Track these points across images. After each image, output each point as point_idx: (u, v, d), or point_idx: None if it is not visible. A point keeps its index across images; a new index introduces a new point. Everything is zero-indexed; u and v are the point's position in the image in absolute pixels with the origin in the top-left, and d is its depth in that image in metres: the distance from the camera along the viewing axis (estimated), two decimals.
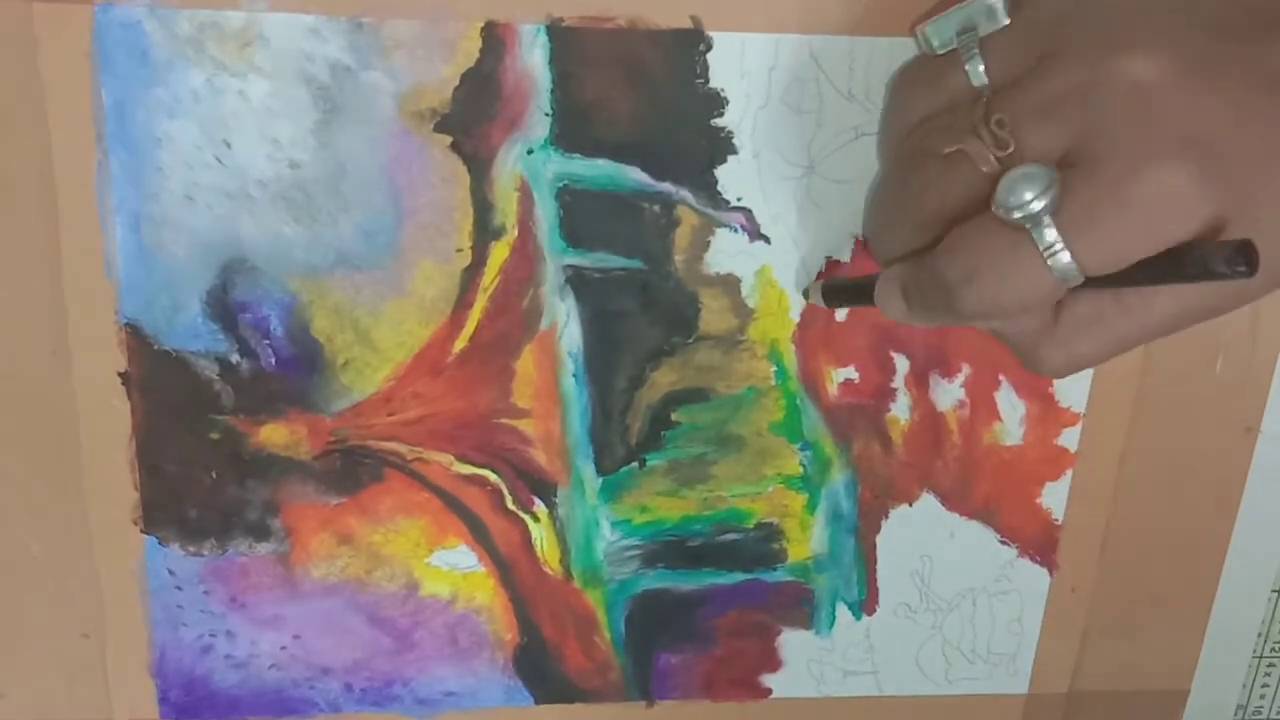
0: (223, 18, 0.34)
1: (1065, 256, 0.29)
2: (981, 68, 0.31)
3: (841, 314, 0.39)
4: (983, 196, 0.30)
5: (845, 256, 0.38)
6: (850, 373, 0.40)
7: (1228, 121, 0.28)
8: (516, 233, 0.37)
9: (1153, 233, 0.28)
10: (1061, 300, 0.32)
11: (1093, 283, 0.30)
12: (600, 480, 0.41)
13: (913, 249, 0.33)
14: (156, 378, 0.38)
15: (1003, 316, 0.31)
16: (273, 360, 0.38)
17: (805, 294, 0.39)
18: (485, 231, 0.37)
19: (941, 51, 0.33)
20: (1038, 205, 0.28)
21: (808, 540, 0.42)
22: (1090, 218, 0.28)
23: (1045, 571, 0.44)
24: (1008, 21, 0.31)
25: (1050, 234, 0.29)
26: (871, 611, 0.44)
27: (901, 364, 0.40)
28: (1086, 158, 0.29)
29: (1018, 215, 0.29)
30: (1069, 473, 0.42)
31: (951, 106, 0.32)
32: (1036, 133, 0.29)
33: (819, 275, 0.39)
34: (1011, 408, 0.41)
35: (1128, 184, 0.28)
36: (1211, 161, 0.28)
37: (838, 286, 0.38)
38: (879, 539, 0.43)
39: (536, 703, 0.43)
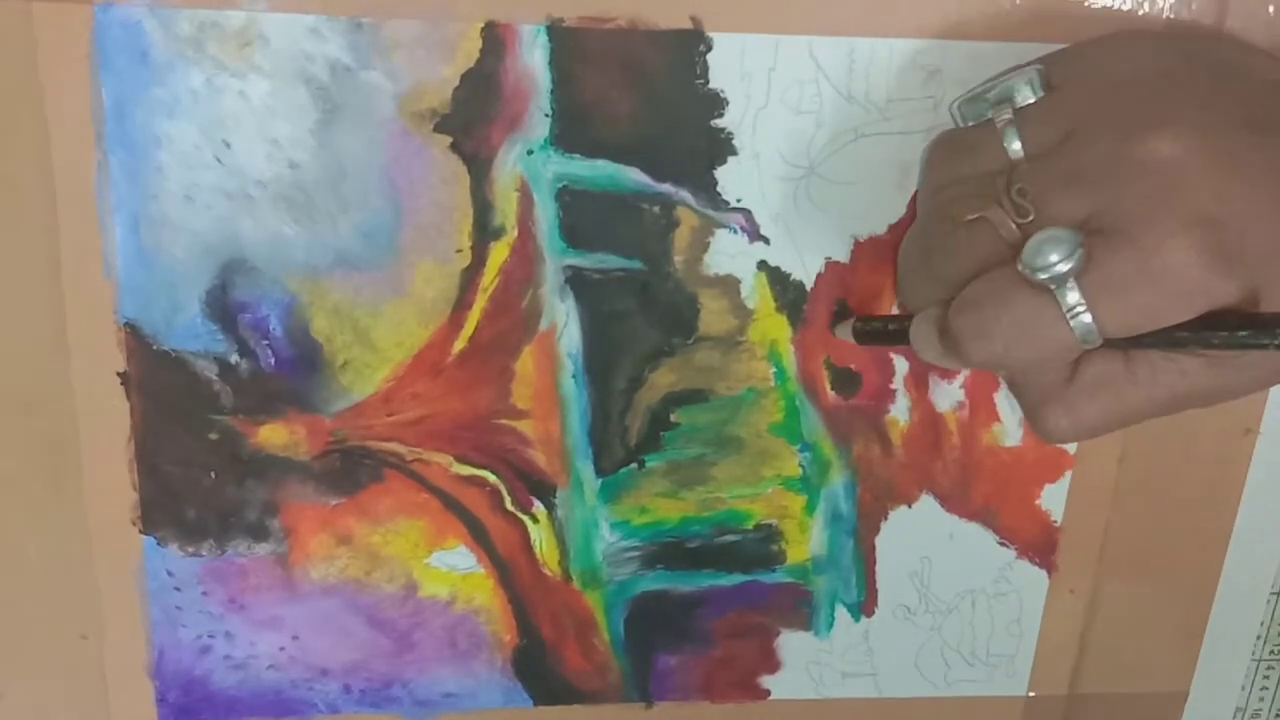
0: (222, 17, 0.34)
1: (1087, 318, 0.30)
2: (1018, 144, 0.32)
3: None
4: (1001, 262, 0.31)
5: (844, 257, 0.39)
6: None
7: (1247, 206, 0.29)
8: (516, 233, 0.37)
9: (1173, 304, 0.30)
10: (1074, 363, 0.33)
11: (1110, 343, 0.31)
12: (599, 481, 0.41)
13: (936, 302, 0.34)
14: (155, 378, 0.37)
15: (1017, 368, 0.33)
16: (272, 360, 0.38)
17: (834, 331, 0.39)
18: (485, 232, 0.37)
19: (974, 123, 0.34)
20: (1064, 267, 0.29)
21: (807, 542, 0.42)
22: (1114, 284, 0.29)
23: (1044, 573, 0.44)
24: (1040, 95, 0.32)
25: (1073, 296, 0.30)
26: (870, 613, 0.44)
27: (901, 365, 0.40)
28: (1109, 227, 0.30)
29: (1043, 276, 0.30)
30: (1068, 474, 0.42)
31: (982, 175, 0.33)
32: (1058, 202, 0.31)
33: (850, 314, 0.39)
34: (1011, 409, 0.41)
35: (1150, 256, 0.29)
36: (1230, 242, 0.29)
37: (870, 327, 0.38)
38: (878, 540, 0.43)
39: (535, 704, 0.43)
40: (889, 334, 0.37)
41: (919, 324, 0.34)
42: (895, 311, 0.39)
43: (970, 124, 0.34)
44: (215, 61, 0.34)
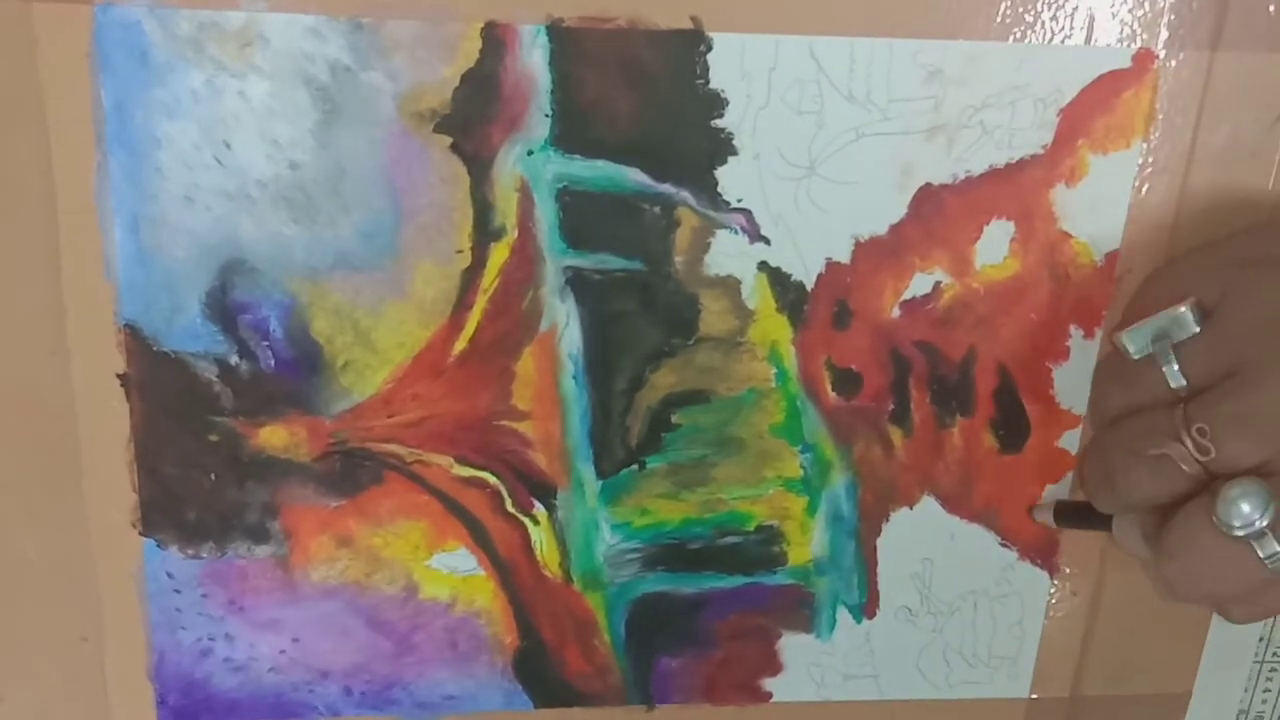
0: (222, 18, 0.34)
1: None
2: (1177, 369, 0.34)
3: (844, 320, 0.39)
4: (1187, 491, 0.34)
5: (845, 258, 0.38)
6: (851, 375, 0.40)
7: None
8: (516, 234, 0.37)
9: None
10: None
11: None
12: (600, 483, 0.41)
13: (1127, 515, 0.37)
14: (155, 379, 0.37)
15: (1224, 602, 0.36)
16: (272, 362, 0.38)
17: (1033, 515, 0.42)
18: (485, 233, 0.37)
19: (1138, 357, 0.35)
20: (1262, 522, 0.32)
21: (808, 543, 0.42)
22: None
23: (1046, 574, 0.44)
24: (1197, 330, 0.34)
25: (1272, 545, 0.32)
26: (872, 615, 0.44)
27: (903, 367, 0.40)
28: None
29: (1240, 532, 0.32)
30: (1069, 475, 0.42)
31: (1151, 404, 0.35)
32: (1237, 442, 0.33)
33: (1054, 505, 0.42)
34: None
35: None
36: None
37: (1070, 510, 0.41)
38: (879, 542, 0.43)
39: (536, 707, 0.43)
40: (1090, 521, 0.39)
41: (1122, 528, 0.37)
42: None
43: (1134, 355, 0.35)
44: (215, 62, 0.34)
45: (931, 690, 0.45)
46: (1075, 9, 0.36)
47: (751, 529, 0.42)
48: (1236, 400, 0.33)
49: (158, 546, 0.39)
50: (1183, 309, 0.34)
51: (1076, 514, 0.41)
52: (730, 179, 0.37)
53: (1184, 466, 0.33)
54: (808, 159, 0.37)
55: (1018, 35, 0.36)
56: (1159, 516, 0.35)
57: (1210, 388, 0.34)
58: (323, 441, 0.39)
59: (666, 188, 0.37)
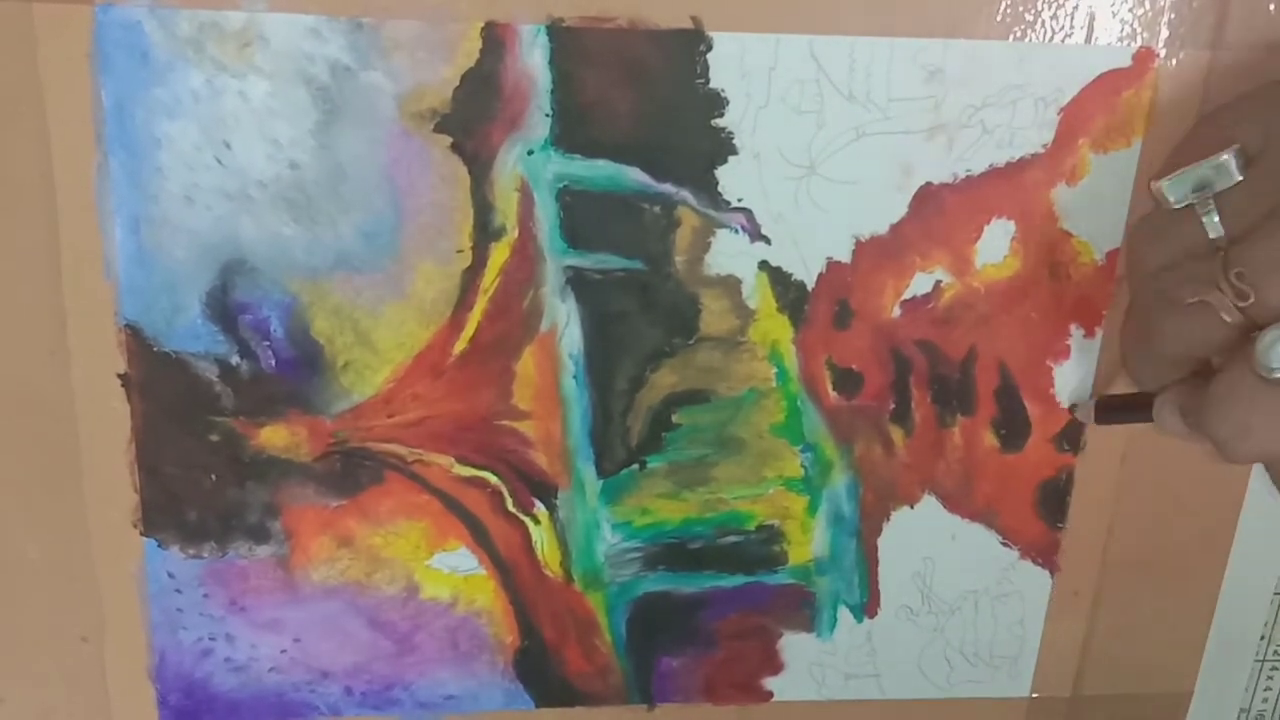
0: (223, 18, 0.34)
1: None
2: (1217, 219, 0.33)
3: (845, 318, 0.39)
4: (1228, 341, 0.33)
5: (846, 257, 0.38)
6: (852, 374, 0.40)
7: None
8: (517, 234, 0.37)
9: None
10: None
11: None
12: (601, 482, 0.41)
13: (1170, 380, 0.37)
14: (156, 379, 0.37)
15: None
16: (273, 362, 0.38)
17: (1073, 409, 0.41)
18: (485, 232, 0.37)
19: (1177, 207, 0.35)
20: None
21: (809, 542, 0.42)
22: None
23: (1047, 574, 0.44)
24: (1241, 178, 0.33)
25: None
26: (873, 614, 0.44)
27: (904, 366, 0.40)
28: None
29: None
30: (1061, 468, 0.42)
31: (1189, 256, 0.34)
32: (1275, 285, 0.32)
33: (1092, 395, 0.41)
34: None
35: None
36: None
37: (1113, 404, 0.40)
38: (880, 541, 0.43)
39: (537, 706, 0.43)
40: (1132, 411, 0.39)
41: (1162, 408, 0.37)
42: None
43: (1173, 204, 0.35)
44: (215, 62, 0.34)
45: (932, 689, 0.45)
46: (1075, 8, 0.36)
47: (752, 528, 0.42)
48: (1273, 242, 0.32)
49: (158, 546, 0.39)
50: (1226, 156, 0.33)
51: (1119, 406, 0.40)
52: (730, 178, 0.37)
53: (1224, 316, 0.33)
54: (808, 158, 0.37)
55: (1018, 34, 0.36)
56: (1196, 390, 0.35)
57: (1250, 232, 0.32)
58: (323, 441, 0.39)
59: (667, 187, 0.37)
